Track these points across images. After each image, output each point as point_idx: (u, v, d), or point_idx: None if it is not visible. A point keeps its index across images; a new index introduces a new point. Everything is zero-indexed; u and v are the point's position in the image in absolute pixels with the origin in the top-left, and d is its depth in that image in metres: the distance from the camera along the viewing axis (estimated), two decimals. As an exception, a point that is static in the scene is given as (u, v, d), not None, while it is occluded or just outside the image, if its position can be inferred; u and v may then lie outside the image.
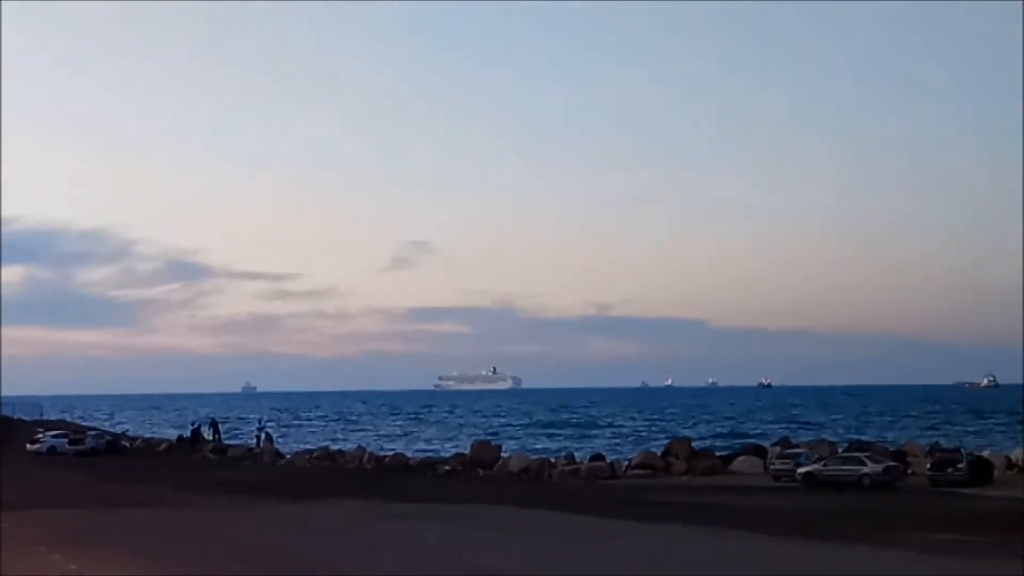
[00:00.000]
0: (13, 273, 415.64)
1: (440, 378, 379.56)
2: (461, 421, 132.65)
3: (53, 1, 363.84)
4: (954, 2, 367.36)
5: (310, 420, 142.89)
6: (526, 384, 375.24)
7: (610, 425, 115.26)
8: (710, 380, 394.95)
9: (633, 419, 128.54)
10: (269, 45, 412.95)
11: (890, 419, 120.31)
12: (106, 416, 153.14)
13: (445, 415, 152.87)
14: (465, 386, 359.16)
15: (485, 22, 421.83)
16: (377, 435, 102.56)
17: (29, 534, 26.31)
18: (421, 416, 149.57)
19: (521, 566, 22.29)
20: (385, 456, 62.27)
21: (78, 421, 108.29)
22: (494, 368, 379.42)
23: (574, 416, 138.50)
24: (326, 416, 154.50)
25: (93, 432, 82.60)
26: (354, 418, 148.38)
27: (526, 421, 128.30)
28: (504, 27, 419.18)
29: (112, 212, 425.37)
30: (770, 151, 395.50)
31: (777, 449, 52.96)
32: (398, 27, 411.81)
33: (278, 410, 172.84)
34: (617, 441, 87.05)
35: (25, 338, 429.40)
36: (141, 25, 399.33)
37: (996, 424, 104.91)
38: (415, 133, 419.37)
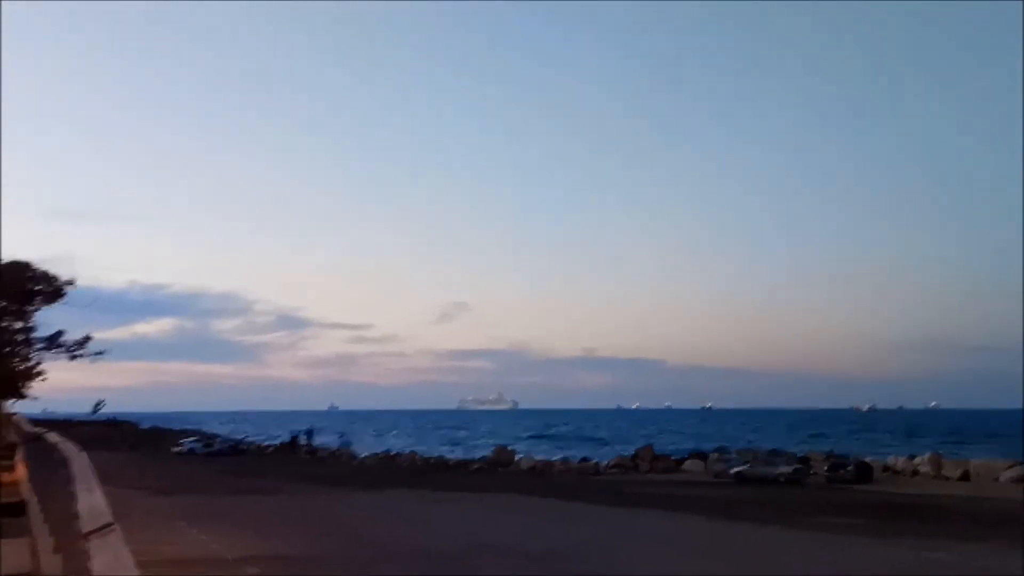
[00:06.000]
0: (168, 323, 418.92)
1: (461, 400, 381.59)
2: (490, 432, 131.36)
3: (156, 81, 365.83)
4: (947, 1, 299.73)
5: (378, 431, 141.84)
6: (522, 406, 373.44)
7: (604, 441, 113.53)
8: (666, 404, 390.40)
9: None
10: (358, 146, 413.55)
11: (800, 432, 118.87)
12: (231, 427, 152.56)
13: (470, 430, 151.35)
14: (478, 407, 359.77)
15: (495, 115, 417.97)
16: (423, 442, 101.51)
17: (173, 512, 26.37)
18: (455, 428, 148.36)
19: (515, 536, 22.01)
20: (430, 458, 61.80)
21: (208, 431, 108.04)
22: (499, 393, 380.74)
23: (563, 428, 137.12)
24: (391, 427, 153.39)
25: (220, 438, 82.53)
26: (408, 430, 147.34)
27: (528, 433, 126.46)
28: (502, 124, 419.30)
29: (238, 279, 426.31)
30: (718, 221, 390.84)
31: (716, 455, 52.64)
32: (442, 124, 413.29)
33: (354, 423, 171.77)
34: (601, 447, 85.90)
35: (175, 370, 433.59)
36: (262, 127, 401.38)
37: (876, 438, 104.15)
38: (460, 218, 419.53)
